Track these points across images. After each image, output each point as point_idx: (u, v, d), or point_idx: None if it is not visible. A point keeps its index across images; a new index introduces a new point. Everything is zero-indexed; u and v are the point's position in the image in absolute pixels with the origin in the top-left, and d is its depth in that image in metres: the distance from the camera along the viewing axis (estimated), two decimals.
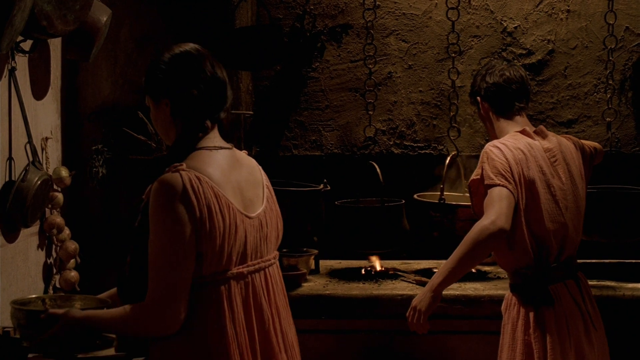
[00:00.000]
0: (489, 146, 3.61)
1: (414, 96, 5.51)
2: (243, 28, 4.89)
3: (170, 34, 4.56)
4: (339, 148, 5.53)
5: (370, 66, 4.98)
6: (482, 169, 3.53)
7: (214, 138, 2.86)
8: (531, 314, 3.50)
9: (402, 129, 5.53)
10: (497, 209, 3.37)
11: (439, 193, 4.92)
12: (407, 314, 3.56)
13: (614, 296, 4.25)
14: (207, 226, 2.65)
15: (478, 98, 3.87)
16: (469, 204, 4.54)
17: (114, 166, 4.51)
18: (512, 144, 3.59)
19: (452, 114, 4.87)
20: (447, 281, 3.49)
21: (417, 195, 4.86)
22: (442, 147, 5.48)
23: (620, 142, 5.27)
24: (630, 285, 4.39)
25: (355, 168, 5.28)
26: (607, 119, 4.81)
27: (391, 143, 5.53)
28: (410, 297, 4.20)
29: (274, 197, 2.97)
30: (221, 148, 2.84)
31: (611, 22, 4.73)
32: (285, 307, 2.95)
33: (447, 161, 4.70)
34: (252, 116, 5.15)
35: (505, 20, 5.44)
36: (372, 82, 5.00)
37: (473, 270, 4.38)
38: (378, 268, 4.81)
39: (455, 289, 4.32)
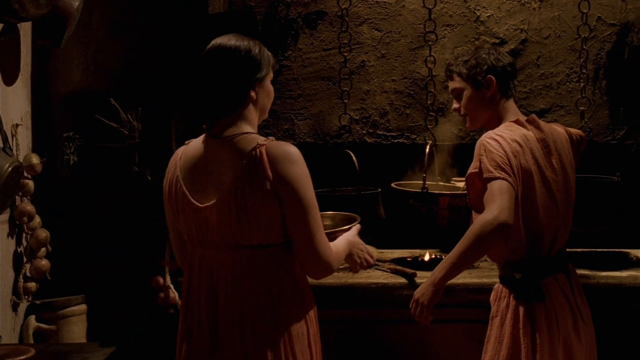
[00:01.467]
0: (486, 138, 3.49)
1: (387, 85, 5.49)
2: (216, 14, 4.82)
3: (142, 20, 4.48)
4: (312, 137, 5.50)
5: (345, 54, 4.94)
6: (480, 162, 3.43)
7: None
8: (521, 309, 3.45)
9: (375, 118, 5.50)
10: (499, 203, 3.28)
11: (414, 182, 4.96)
12: (410, 305, 3.48)
13: (587, 284, 4.21)
14: None
15: (492, 77, 3.68)
16: (451, 192, 4.58)
17: (86, 154, 4.45)
18: (508, 136, 3.49)
19: (429, 102, 4.82)
20: (449, 275, 3.40)
21: (395, 184, 4.82)
22: (416, 136, 5.46)
23: (593, 132, 5.28)
24: (604, 273, 4.39)
25: (328, 157, 5.23)
26: (581, 108, 4.80)
27: (364, 132, 5.50)
28: (385, 286, 4.29)
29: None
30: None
31: (585, 10, 4.72)
32: (250, 295, 2.98)
33: (427, 150, 4.64)
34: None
35: (478, 9, 5.43)
36: (347, 70, 4.95)
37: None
38: None
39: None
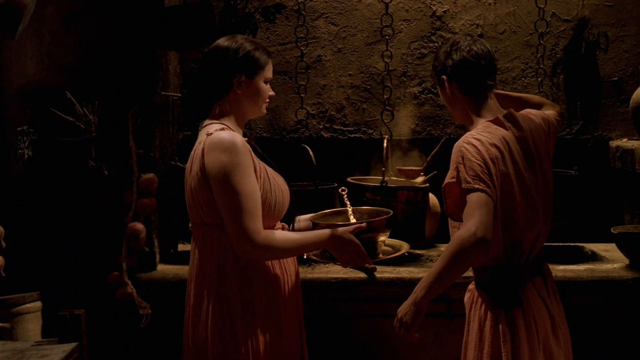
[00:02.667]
0: (463, 143, 3.30)
1: (344, 80, 5.48)
2: (172, 7, 4.75)
3: (98, 12, 4.40)
4: (268, 132, 5.47)
5: (302, 48, 4.90)
6: (458, 171, 3.26)
7: None
8: (500, 316, 3.34)
9: (332, 112, 5.49)
10: (477, 219, 3.11)
11: (370, 177, 4.97)
12: (394, 323, 3.31)
13: None
14: None
15: (444, 77, 3.49)
16: (410, 186, 4.56)
17: (41, 148, 4.34)
18: (487, 139, 3.30)
19: (385, 96, 4.81)
20: (429, 294, 3.22)
21: (351, 179, 4.80)
22: (372, 131, 5.45)
23: None
24: (561, 267, 4.44)
25: (284, 152, 5.20)
26: None
27: (321, 127, 5.48)
28: (344, 281, 4.29)
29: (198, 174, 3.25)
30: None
31: (542, 5, 4.74)
32: (194, 280, 3.37)
33: (385, 144, 4.62)
34: (179, 99, 5.02)
35: (434, 4, 5.44)
36: (304, 64, 4.92)
37: (406, 253, 4.21)
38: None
39: (390, 272, 4.32)
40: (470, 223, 3.11)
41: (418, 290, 3.24)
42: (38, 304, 4.13)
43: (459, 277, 3.21)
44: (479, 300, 3.43)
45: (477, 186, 3.17)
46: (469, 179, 3.19)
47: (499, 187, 3.25)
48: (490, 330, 3.34)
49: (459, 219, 3.31)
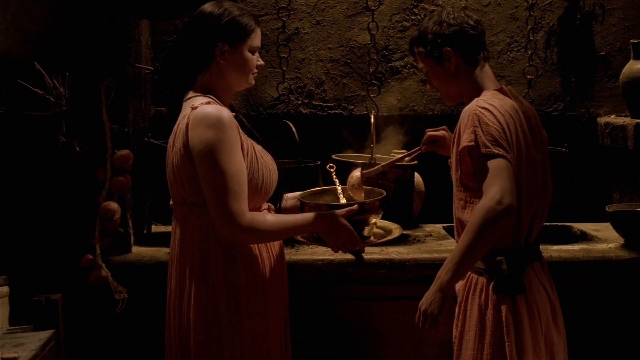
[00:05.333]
0: (478, 107, 3.11)
1: (323, 53, 5.31)
2: None
3: None
4: (245, 108, 5.29)
5: (283, 18, 4.69)
6: (476, 134, 3.06)
7: None
8: (503, 303, 3.15)
9: (311, 87, 5.33)
10: (500, 185, 2.95)
11: (354, 154, 4.86)
12: (417, 319, 3.08)
13: None
14: None
15: (448, 49, 3.27)
16: (400, 164, 4.38)
17: (8, 123, 4.11)
18: (499, 105, 3.14)
19: (371, 69, 4.62)
20: (456, 276, 3.02)
21: (337, 156, 4.62)
22: (353, 107, 5.29)
23: (535, 102, 5.15)
24: (555, 247, 4.33)
25: (262, 128, 4.99)
26: (528, 77, 4.68)
27: (299, 102, 5.32)
28: (331, 262, 4.17)
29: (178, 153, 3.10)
30: None
31: None
32: (176, 262, 3.23)
33: (372, 120, 4.46)
34: (151, 72, 4.82)
35: None
36: (285, 36, 4.71)
37: (397, 233, 3.94)
38: None
39: (378, 253, 4.19)
40: (494, 190, 2.95)
41: (442, 274, 3.03)
42: (5, 289, 3.93)
43: (487, 251, 3.03)
44: (478, 286, 3.25)
45: (496, 151, 3.01)
46: (488, 144, 3.03)
47: (515, 155, 3.09)
48: (492, 319, 3.17)
49: (469, 188, 3.18)
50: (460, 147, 3.15)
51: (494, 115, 3.08)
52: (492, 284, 3.19)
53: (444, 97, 3.47)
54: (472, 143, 3.07)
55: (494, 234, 2.96)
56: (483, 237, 2.95)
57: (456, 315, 3.34)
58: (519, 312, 3.15)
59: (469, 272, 3.28)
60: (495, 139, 3.03)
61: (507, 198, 2.92)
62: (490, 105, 3.13)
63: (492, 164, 3.01)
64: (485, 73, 3.33)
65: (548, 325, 3.24)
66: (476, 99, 3.22)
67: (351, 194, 3.73)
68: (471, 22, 3.31)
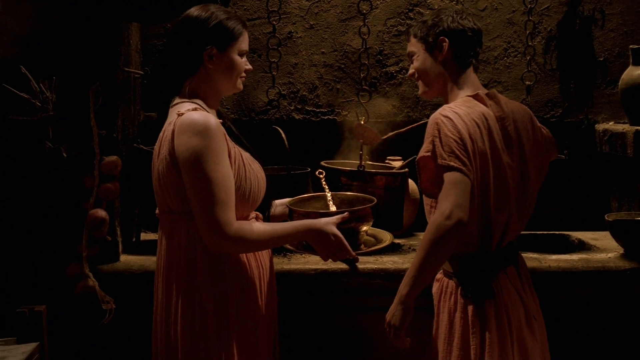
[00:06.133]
0: (440, 116, 3.16)
1: (316, 58, 5.23)
2: None
3: None
4: (236, 113, 5.21)
5: (274, 22, 4.60)
6: (433, 145, 3.12)
7: None
8: (470, 307, 3.22)
9: (304, 93, 5.25)
10: (451, 200, 3.00)
11: (344, 161, 4.75)
12: (385, 330, 3.21)
13: (540, 268, 4.11)
14: None
15: (444, 39, 3.33)
16: (388, 171, 4.35)
17: None
18: (465, 113, 3.17)
19: (362, 75, 4.53)
20: (414, 290, 3.11)
21: (325, 162, 4.54)
22: (347, 112, 5.22)
23: (532, 109, 5.04)
24: (554, 256, 4.27)
25: (254, 134, 4.91)
26: (527, 83, 4.60)
27: (292, 108, 5.24)
28: (324, 272, 4.11)
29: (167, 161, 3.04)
30: None
31: None
32: (163, 272, 3.16)
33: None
34: (142, 77, 4.73)
35: None
36: (276, 41, 4.62)
37: (388, 242, 3.93)
38: None
39: (372, 263, 4.13)
40: (445, 205, 3.02)
41: (401, 288, 3.15)
42: None
43: (442, 265, 3.20)
44: (448, 290, 3.33)
45: (452, 164, 3.06)
46: (445, 155, 3.08)
47: (477, 165, 3.13)
48: (460, 322, 3.24)
49: (433, 195, 3.22)
50: (418, 157, 3.20)
51: (455, 125, 3.12)
52: (459, 287, 3.27)
53: (420, 89, 3.51)
54: (429, 154, 3.14)
55: (445, 248, 3.03)
56: (435, 253, 3.03)
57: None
58: (486, 316, 3.19)
59: (442, 276, 3.39)
60: (452, 151, 3.07)
61: (456, 213, 2.98)
62: (454, 113, 3.16)
63: (447, 176, 3.06)
64: (469, 78, 3.37)
65: (520, 330, 3.24)
66: (445, 105, 3.28)
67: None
68: (474, 27, 3.38)
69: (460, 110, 3.18)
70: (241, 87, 3.25)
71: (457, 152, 3.06)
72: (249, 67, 3.25)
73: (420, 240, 4.54)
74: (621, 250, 4.35)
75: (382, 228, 3.84)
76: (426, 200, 3.33)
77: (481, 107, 3.24)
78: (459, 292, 3.26)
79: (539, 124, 3.51)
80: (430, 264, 3.07)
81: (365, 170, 4.39)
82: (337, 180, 4.38)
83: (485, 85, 5.06)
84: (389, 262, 4.14)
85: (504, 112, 3.28)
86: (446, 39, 3.33)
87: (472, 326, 3.19)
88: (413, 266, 3.09)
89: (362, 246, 3.55)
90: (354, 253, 3.26)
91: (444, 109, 3.20)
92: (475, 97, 3.29)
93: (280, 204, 3.60)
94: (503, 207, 3.20)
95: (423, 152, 3.16)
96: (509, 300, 3.22)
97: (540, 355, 3.30)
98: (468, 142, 3.09)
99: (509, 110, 3.31)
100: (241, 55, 3.18)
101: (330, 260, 3.28)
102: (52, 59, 4.06)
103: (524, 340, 3.23)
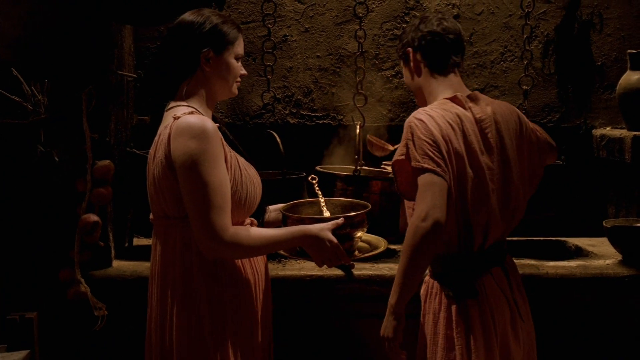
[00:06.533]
0: (414, 119, 3.17)
1: (311, 62, 5.20)
2: None
3: None
4: (230, 117, 5.18)
5: (269, 26, 4.55)
6: (407, 148, 3.14)
7: None
8: (453, 307, 3.20)
9: (299, 97, 5.21)
10: (427, 202, 3.01)
11: (339, 166, 4.76)
12: (382, 344, 3.22)
13: (537, 275, 4.07)
14: None
15: (409, 50, 3.38)
16: (385, 176, 4.31)
17: None
18: (439, 115, 3.16)
19: (358, 79, 4.49)
20: (402, 297, 3.11)
21: (320, 167, 4.50)
22: (342, 117, 5.17)
23: (529, 114, 5.03)
24: (552, 263, 4.23)
25: (248, 139, 4.88)
26: (524, 87, 4.56)
27: (287, 112, 5.20)
28: (319, 278, 4.06)
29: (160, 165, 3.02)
30: None
31: None
32: (157, 279, 3.12)
33: (358, 131, 4.37)
34: (135, 80, 4.69)
35: None
36: (271, 44, 4.58)
37: (383, 248, 3.88)
38: None
39: (368, 269, 4.09)
40: (420, 208, 3.03)
41: (390, 298, 3.16)
42: None
43: (425, 268, 3.16)
44: (434, 291, 3.30)
45: (426, 165, 3.07)
46: (418, 158, 3.09)
47: (454, 165, 3.13)
48: (445, 322, 3.22)
49: (411, 197, 3.22)
50: (393, 161, 3.22)
51: (428, 127, 3.12)
52: (444, 288, 3.26)
53: (415, 99, 3.54)
54: (403, 157, 3.16)
55: (425, 251, 3.03)
56: (416, 256, 3.03)
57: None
58: (471, 316, 3.17)
59: (428, 278, 3.35)
60: (425, 153, 3.08)
61: (432, 214, 2.99)
62: (427, 116, 3.17)
63: (421, 179, 3.07)
64: (448, 82, 3.37)
65: (505, 333, 3.23)
66: (420, 108, 3.28)
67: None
68: (444, 31, 3.35)
69: (434, 113, 3.18)
70: (236, 92, 3.23)
71: (431, 154, 3.07)
72: (244, 71, 3.23)
73: None
74: (619, 257, 4.30)
75: (378, 233, 3.81)
76: (406, 203, 3.35)
77: (457, 109, 3.24)
78: (443, 292, 3.25)
79: (532, 126, 3.50)
80: (413, 268, 3.06)
81: (361, 175, 4.35)
82: (332, 185, 4.36)
83: (481, 90, 5.07)
84: (385, 268, 4.10)
85: (484, 114, 3.27)
86: (410, 49, 3.38)
87: (456, 326, 3.17)
88: (397, 273, 3.11)
89: (357, 252, 3.52)
90: (349, 259, 3.24)
91: (418, 112, 3.21)
92: (453, 99, 3.29)
93: (274, 210, 3.57)
94: (480, 209, 3.20)
95: (397, 155, 3.19)
96: (494, 301, 3.21)
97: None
98: (442, 143, 3.10)
99: (490, 112, 3.29)
100: (237, 59, 3.17)
101: (325, 266, 3.26)
102: (45, 61, 4.03)
103: (508, 342, 3.23)
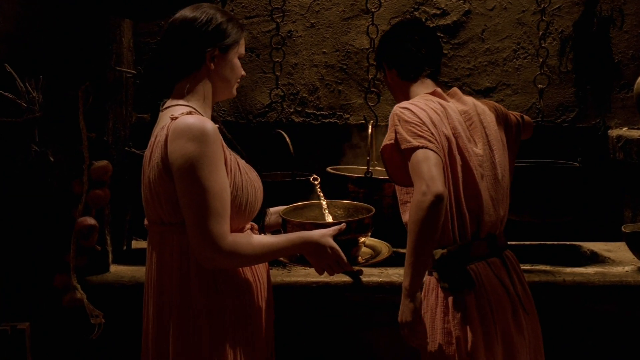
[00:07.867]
0: (398, 108, 3.22)
1: (317, 58, 5.08)
2: None
3: None
4: (233, 115, 5.06)
5: (277, 20, 4.40)
6: (396, 132, 3.14)
7: None
8: (450, 299, 3.17)
9: (304, 94, 5.10)
10: (425, 175, 2.98)
11: (349, 167, 4.66)
12: (401, 332, 3.15)
13: (554, 282, 3.98)
14: None
15: (384, 64, 3.51)
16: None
17: None
18: (423, 104, 3.22)
19: (370, 76, 4.36)
20: (415, 278, 3.04)
21: (331, 169, 4.38)
22: (349, 115, 5.05)
23: (542, 113, 4.88)
24: (568, 270, 4.12)
25: (252, 138, 4.80)
26: (539, 86, 4.41)
27: (291, 110, 5.09)
28: (327, 285, 3.97)
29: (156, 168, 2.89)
30: None
31: None
32: (153, 288, 2.99)
33: (370, 130, 4.24)
34: (135, 76, 4.57)
35: None
36: (279, 39, 4.43)
37: (393, 254, 3.82)
38: None
39: (377, 276, 3.99)
40: (419, 183, 3.00)
41: (404, 282, 3.10)
42: None
43: (434, 243, 3.08)
44: (430, 286, 3.28)
45: (417, 143, 3.06)
46: (409, 138, 3.09)
47: (443, 148, 3.14)
48: (441, 316, 3.20)
49: (403, 181, 3.24)
50: (381, 147, 3.23)
51: (414, 113, 3.16)
52: (439, 278, 3.24)
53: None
54: (392, 141, 3.16)
55: (432, 225, 2.98)
56: (422, 232, 2.97)
57: None
58: (468, 307, 3.15)
59: (426, 276, 3.30)
60: (414, 133, 3.08)
61: (433, 186, 2.95)
62: (411, 104, 3.23)
63: (414, 157, 3.05)
64: (424, 84, 3.43)
65: (506, 323, 3.19)
66: (403, 101, 3.34)
67: None
68: (414, 42, 3.45)
69: (418, 102, 3.25)
70: (235, 93, 3.12)
71: (420, 133, 3.08)
72: (244, 73, 3.13)
73: None
74: (638, 264, 4.19)
75: (389, 237, 3.65)
76: (399, 191, 3.34)
77: (439, 100, 3.31)
78: (439, 285, 3.22)
79: (505, 110, 3.55)
80: (422, 245, 3.01)
81: (373, 177, 4.23)
82: (344, 187, 4.26)
83: (493, 88, 4.97)
84: (395, 274, 3.99)
85: (466, 106, 3.36)
86: (384, 64, 3.52)
87: (452, 318, 3.15)
88: (407, 253, 3.04)
89: (359, 258, 3.38)
90: (351, 267, 3.11)
91: (402, 103, 3.26)
92: (433, 93, 3.35)
93: (274, 212, 3.44)
94: (471, 194, 3.21)
95: (386, 141, 3.20)
96: (491, 291, 3.18)
97: (528, 353, 3.25)
98: (430, 125, 3.13)
99: (472, 104, 3.39)
100: (240, 59, 3.06)
101: (326, 273, 3.12)
102: (39, 57, 3.94)
103: (510, 334, 3.18)
